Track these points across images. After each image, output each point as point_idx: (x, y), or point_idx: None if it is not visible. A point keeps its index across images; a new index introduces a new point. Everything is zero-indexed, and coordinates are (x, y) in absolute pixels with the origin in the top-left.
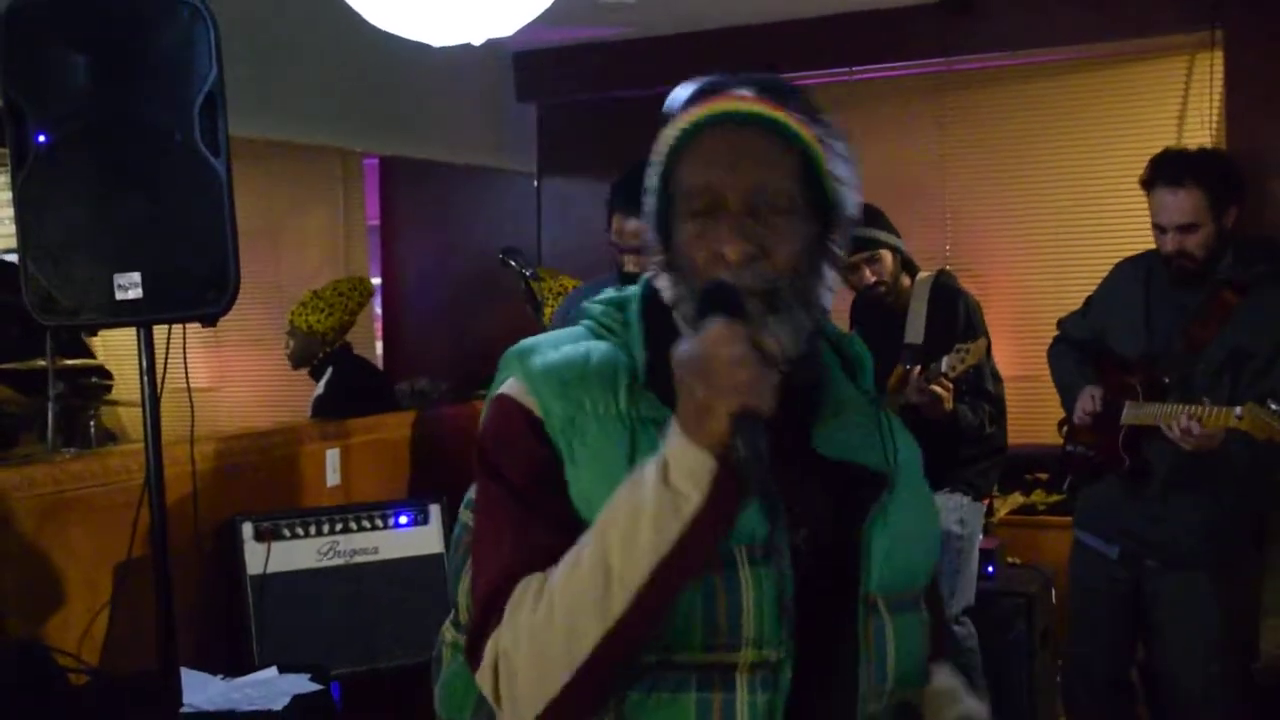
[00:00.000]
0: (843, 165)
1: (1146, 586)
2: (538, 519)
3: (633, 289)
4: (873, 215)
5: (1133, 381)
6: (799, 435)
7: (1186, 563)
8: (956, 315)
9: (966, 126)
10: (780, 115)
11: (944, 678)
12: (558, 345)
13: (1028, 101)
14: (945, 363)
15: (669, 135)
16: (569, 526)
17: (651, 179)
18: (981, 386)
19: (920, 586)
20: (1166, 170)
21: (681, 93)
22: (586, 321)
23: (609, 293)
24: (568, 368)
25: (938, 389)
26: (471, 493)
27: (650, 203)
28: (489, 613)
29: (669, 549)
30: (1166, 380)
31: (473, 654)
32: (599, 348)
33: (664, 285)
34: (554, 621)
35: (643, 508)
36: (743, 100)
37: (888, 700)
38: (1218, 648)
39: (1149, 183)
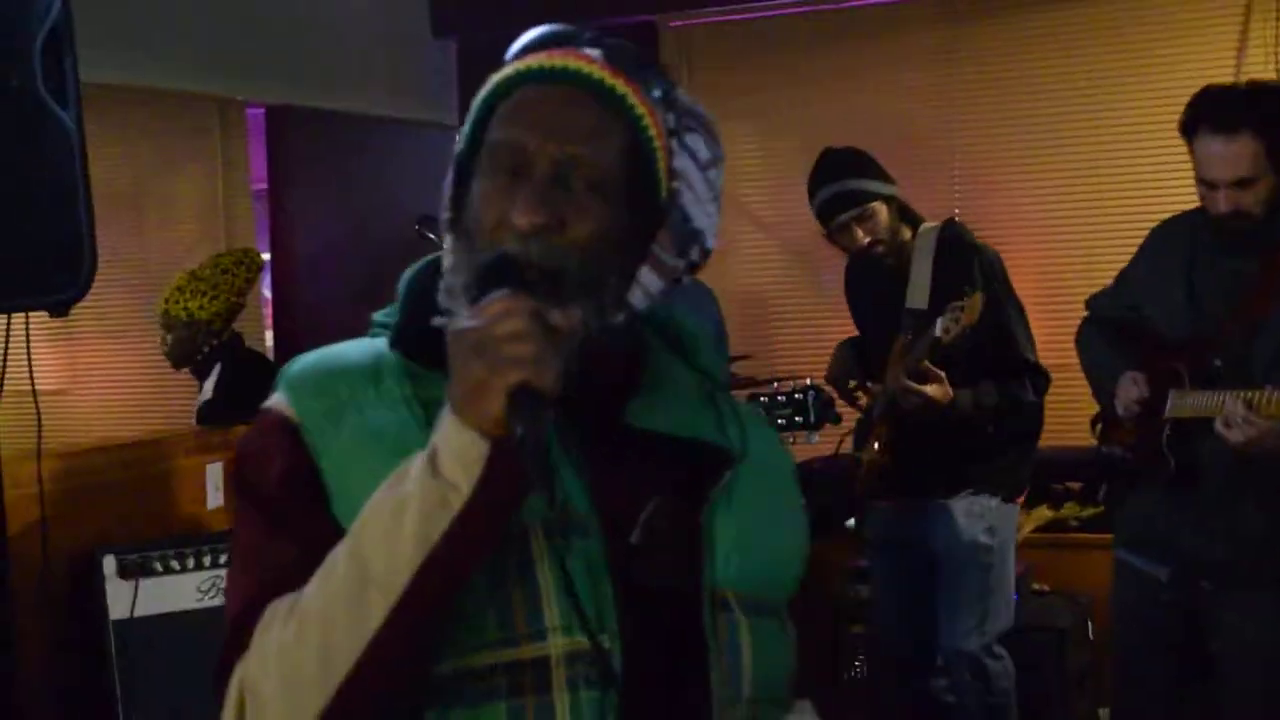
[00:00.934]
0: (692, 164)
1: (1202, 613)
2: (290, 534)
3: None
4: (860, 162)
5: (1177, 367)
6: (610, 412)
7: (1248, 583)
8: (969, 272)
9: (977, 63)
10: (619, 85)
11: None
12: (320, 352)
13: (1051, 32)
14: (938, 326)
15: (492, 80)
16: (328, 540)
17: (464, 127)
18: (1016, 355)
19: (782, 599)
20: (1214, 113)
21: (525, 37)
22: (372, 329)
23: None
24: (324, 361)
25: (929, 388)
26: None
27: (457, 153)
28: (235, 641)
29: (434, 548)
30: (1217, 363)
31: (218, 689)
32: (365, 342)
33: (447, 246)
34: (305, 640)
35: (406, 502)
36: (583, 60)
37: (746, 714)
38: None
39: (1190, 128)
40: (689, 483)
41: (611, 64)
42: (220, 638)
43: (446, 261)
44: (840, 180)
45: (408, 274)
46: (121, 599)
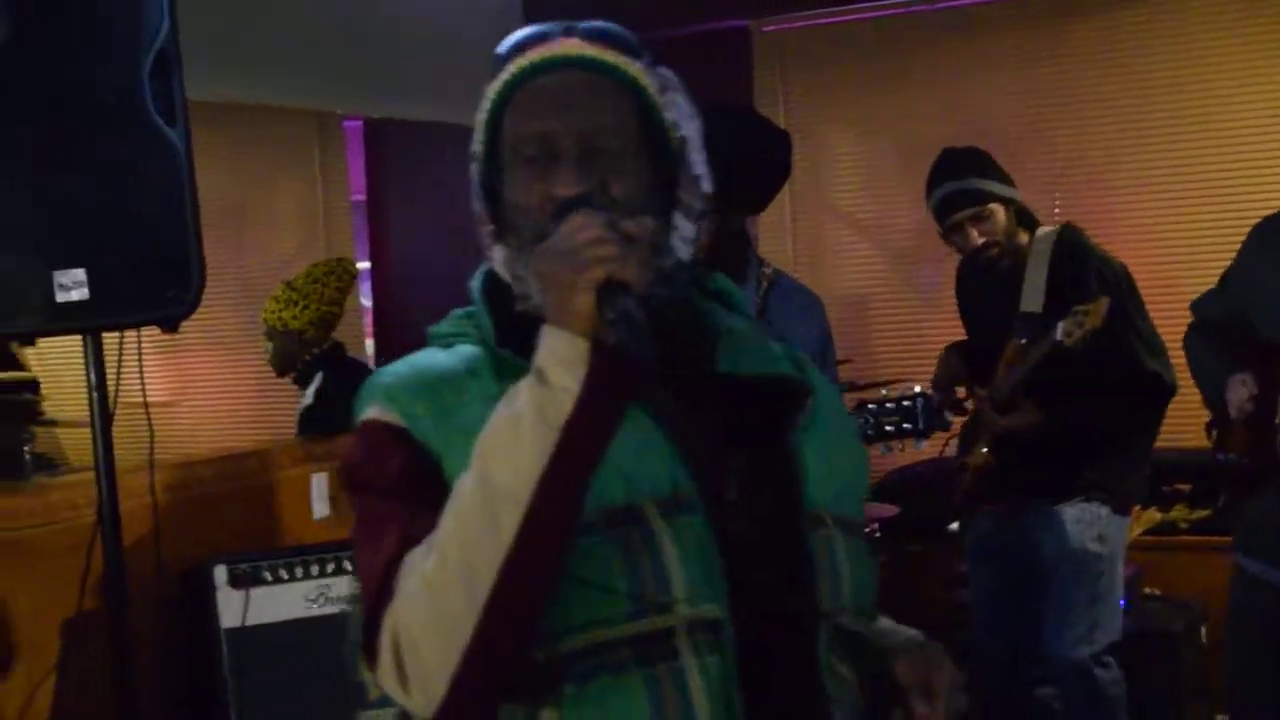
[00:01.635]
0: (683, 117)
1: None
2: (420, 510)
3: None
4: (980, 162)
5: None
6: (697, 365)
7: None
8: (1086, 279)
9: (1074, 62)
10: (613, 58)
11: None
12: (411, 362)
13: (1151, 29)
14: (1059, 330)
15: (492, 89)
16: None
17: (476, 143)
18: (1134, 366)
19: (861, 518)
20: None
21: (506, 42)
22: (436, 337)
23: (451, 316)
24: (420, 372)
25: (1013, 419)
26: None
27: (475, 169)
28: (380, 598)
29: (555, 450)
30: None
31: (370, 651)
32: (448, 353)
33: (498, 258)
34: (447, 568)
35: (520, 417)
36: (575, 45)
37: (848, 623)
38: None
39: None
40: (775, 416)
41: (599, 43)
42: (366, 600)
43: (502, 262)
44: (959, 179)
45: (475, 283)
46: (233, 608)
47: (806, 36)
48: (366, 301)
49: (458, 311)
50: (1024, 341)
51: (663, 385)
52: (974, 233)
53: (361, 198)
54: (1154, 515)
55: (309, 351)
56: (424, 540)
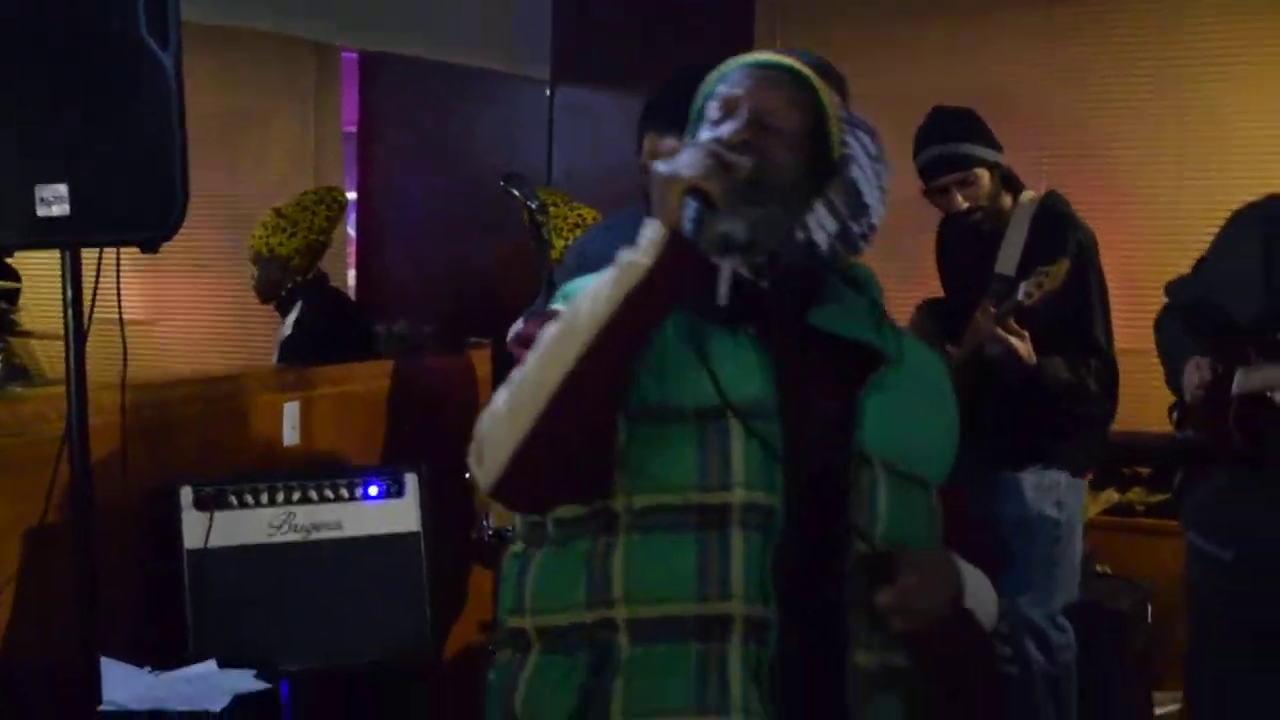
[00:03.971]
0: (860, 149)
1: (1271, 603)
2: None
3: None
4: (969, 125)
5: (1246, 348)
6: (796, 314)
7: None
8: (1063, 246)
9: (1074, 39)
10: (805, 71)
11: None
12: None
13: (1148, 10)
14: (1021, 290)
15: (709, 79)
16: None
17: (691, 127)
18: (1087, 336)
19: (926, 475)
20: None
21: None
22: None
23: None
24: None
25: (1015, 341)
26: None
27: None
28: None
29: (621, 303)
30: None
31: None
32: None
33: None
34: (526, 374)
35: (605, 279)
36: (780, 56)
37: (877, 545)
38: None
39: None
40: (851, 373)
41: (804, 63)
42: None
43: None
44: (947, 142)
45: None
46: (196, 529)
47: (809, 2)
48: (351, 231)
49: None
50: (994, 301)
51: (770, 322)
52: (958, 196)
53: (353, 129)
54: (1111, 496)
55: (292, 279)
56: None
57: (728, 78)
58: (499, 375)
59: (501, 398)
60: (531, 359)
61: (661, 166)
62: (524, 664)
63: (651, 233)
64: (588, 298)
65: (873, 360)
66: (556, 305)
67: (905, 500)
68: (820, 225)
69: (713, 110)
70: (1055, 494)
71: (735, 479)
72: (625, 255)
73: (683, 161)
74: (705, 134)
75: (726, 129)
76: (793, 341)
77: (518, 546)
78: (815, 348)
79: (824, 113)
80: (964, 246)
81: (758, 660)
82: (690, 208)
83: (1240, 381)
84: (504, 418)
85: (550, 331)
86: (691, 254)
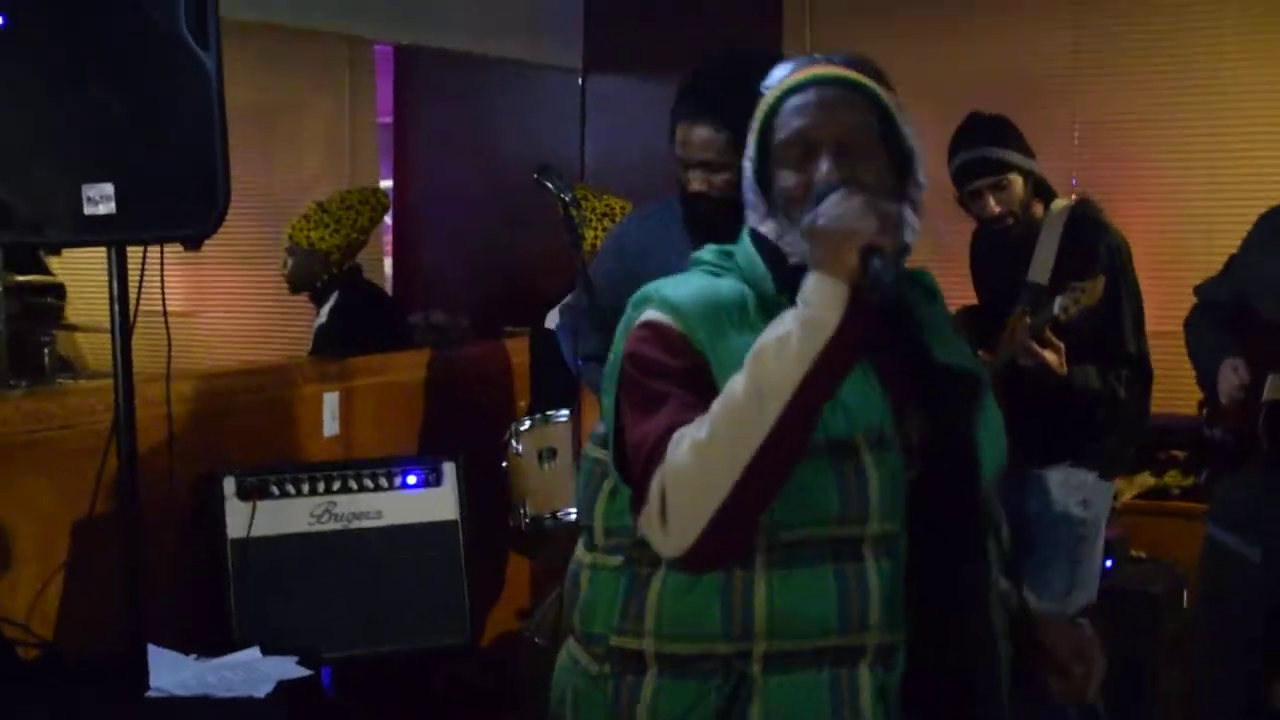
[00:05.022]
0: (910, 130)
1: None
2: (691, 401)
3: (731, 246)
4: (1003, 131)
5: (1277, 348)
6: (915, 347)
7: None
8: (1095, 255)
9: (1101, 27)
10: (859, 78)
11: None
12: (686, 282)
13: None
14: (1057, 304)
15: (766, 100)
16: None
17: (750, 145)
18: (1119, 346)
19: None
20: None
21: (772, 76)
22: (702, 266)
23: (709, 249)
24: (703, 296)
25: (1048, 354)
26: (599, 428)
27: (749, 165)
28: (651, 460)
29: (813, 364)
30: None
31: (638, 501)
32: (725, 283)
33: (769, 229)
34: (716, 438)
35: (788, 336)
36: (830, 68)
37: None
38: None
39: None
40: (960, 400)
41: (850, 67)
42: (639, 458)
43: (772, 231)
44: (981, 147)
45: (746, 239)
46: (239, 519)
47: None
48: (387, 220)
49: (714, 248)
50: (1027, 311)
51: (883, 347)
52: (991, 201)
53: (388, 120)
54: (1147, 479)
55: (328, 272)
56: (694, 420)
57: (791, 104)
58: (535, 363)
59: (683, 459)
60: (719, 423)
61: (822, 220)
62: (638, 686)
63: (825, 288)
64: (771, 357)
65: (975, 383)
66: (642, 314)
67: (1002, 519)
68: (911, 228)
69: (791, 149)
70: (1082, 493)
71: (872, 509)
72: (803, 314)
73: (847, 216)
74: (790, 168)
75: (825, 170)
76: (907, 368)
77: (614, 561)
78: (925, 376)
79: (890, 116)
80: (997, 254)
81: (884, 682)
82: (874, 265)
83: (1270, 386)
84: (695, 483)
85: (734, 392)
86: (871, 307)
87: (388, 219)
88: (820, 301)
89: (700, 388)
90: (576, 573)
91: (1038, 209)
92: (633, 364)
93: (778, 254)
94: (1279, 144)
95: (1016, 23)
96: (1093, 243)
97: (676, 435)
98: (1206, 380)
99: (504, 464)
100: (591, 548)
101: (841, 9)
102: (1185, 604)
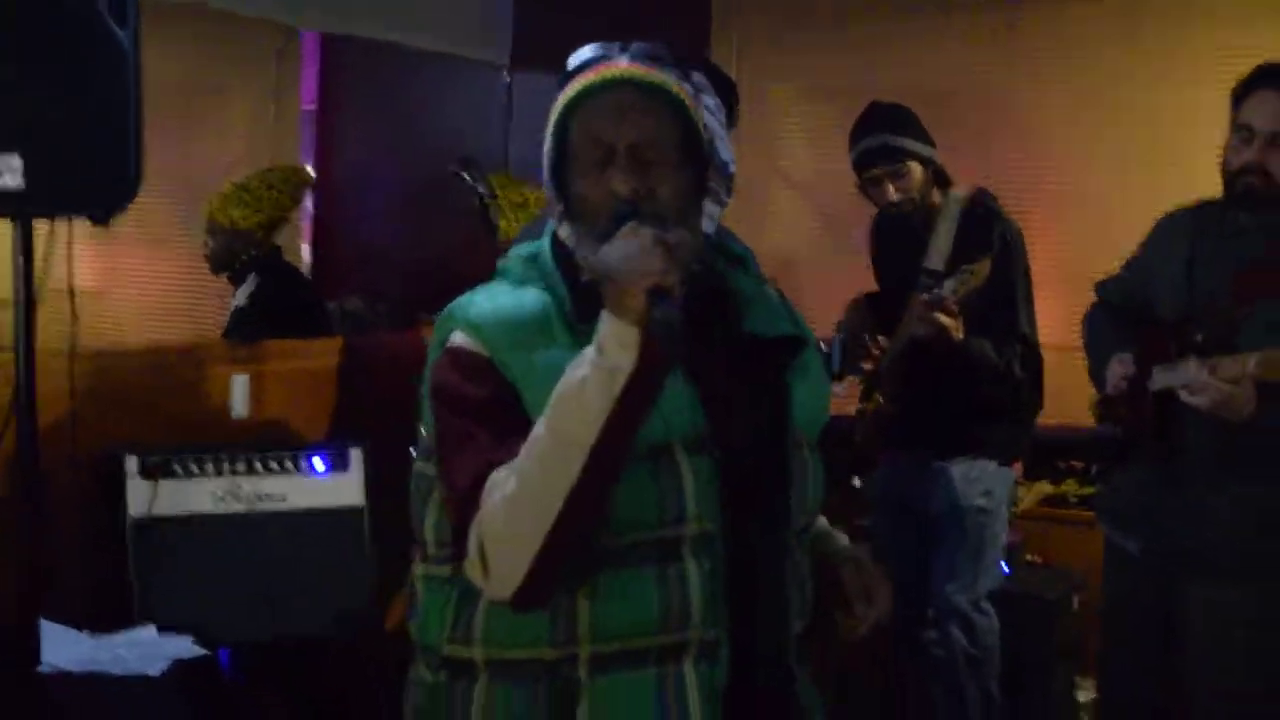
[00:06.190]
0: (711, 118)
1: (1174, 599)
2: (504, 431)
3: (538, 243)
4: (903, 119)
5: (1167, 345)
6: (725, 326)
7: (1221, 576)
8: (989, 242)
9: (1020, 38)
10: (653, 76)
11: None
12: (491, 297)
13: (1093, 11)
14: (947, 286)
15: (560, 101)
16: (528, 432)
17: (547, 139)
18: (1013, 325)
19: (817, 437)
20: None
21: (574, 60)
22: (508, 275)
23: (515, 253)
24: (505, 312)
25: (943, 317)
26: (428, 441)
27: (546, 161)
28: (468, 507)
29: (613, 408)
30: (1198, 337)
31: (458, 549)
32: (528, 293)
33: (566, 233)
34: (526, 489)
35: (587, 380)
36: (624, 67)
37: (805, 523)
38: (1252, 695)
39: (1250, 86)
40: (778, 365)
41: (644, 64)
42: (455, 508)
43: (569, 238)
44: (881, 134)
45: (545, 244)
46: (141, 497)
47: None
48: (308, 205)
49: (521, 250)
50: (924, 296)
51: (694, 340)
52: (890, 188)
53: (312, 107)
54: (1045, 488)
55: (247, 252)
56: (504, 465)
57: (587, 106)
58: None
59: (496, 513)
60: (526, 475)
61: (610, 262)
62: (469, 693)
63: (617, 332)
64: (570, 404)
65: (794, 345)
66: (445, 336)
67: (818, 472)
68: (710, 218)
69: (585, 154)
70: (983, 483)
71: (689, 511)
72: (598, 360)
73: (632, 258)
74: (587, 173)
75: (618, 180)
76: (717, 362)
77: (443, 570)
78: (740, 355)
79: (687, 113)
80: (895, 241)
81: (710, 678)
82: (656, 313)
83: (1157, 379)
84: (510, 536)
85: (539, 440)
86: (663, 350)
87: (308, 203)
88: (612, 348)
89: (506, 416)
90: (411, 585)
91: (936, 197)
92: (437, 399)
93: (574, 268)
94: (1183, 161)
95: (936, 37)
96: (987, 229)
97: (489, 483)
98: (1099, 372)
99: (413, 451)
100: (424, 559)
101: (766, 23)
102: (1075, 607)
